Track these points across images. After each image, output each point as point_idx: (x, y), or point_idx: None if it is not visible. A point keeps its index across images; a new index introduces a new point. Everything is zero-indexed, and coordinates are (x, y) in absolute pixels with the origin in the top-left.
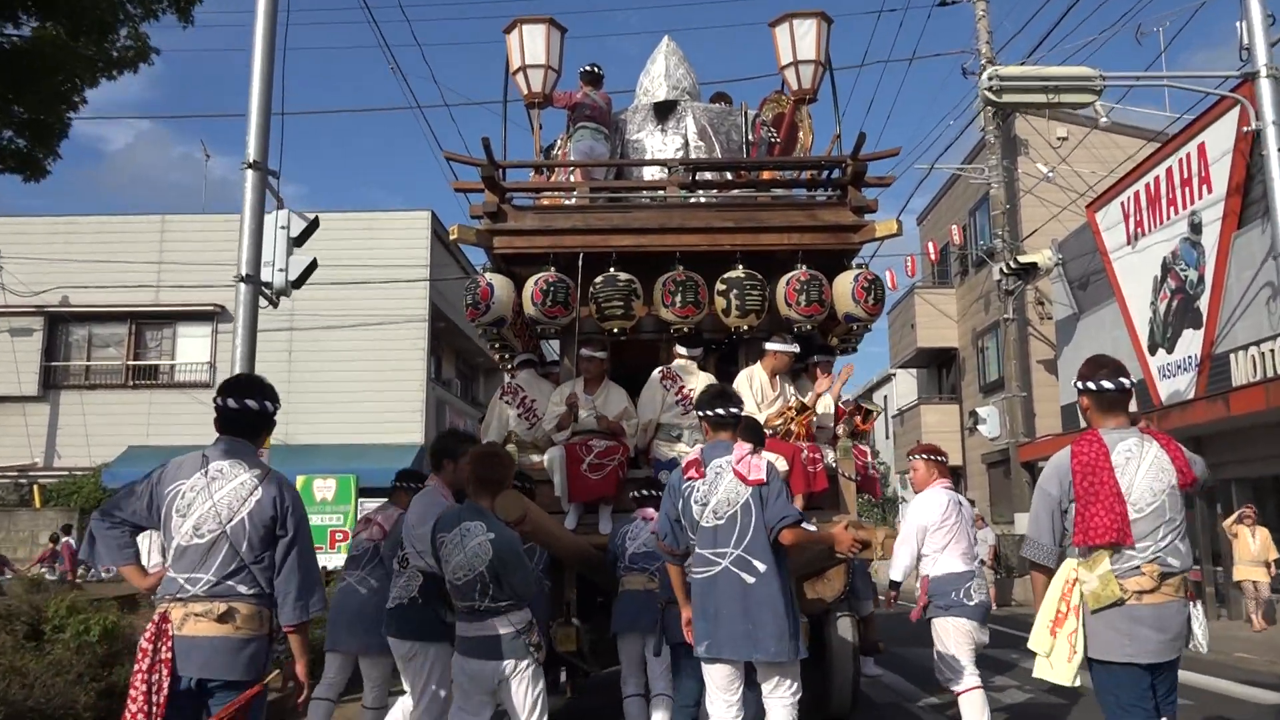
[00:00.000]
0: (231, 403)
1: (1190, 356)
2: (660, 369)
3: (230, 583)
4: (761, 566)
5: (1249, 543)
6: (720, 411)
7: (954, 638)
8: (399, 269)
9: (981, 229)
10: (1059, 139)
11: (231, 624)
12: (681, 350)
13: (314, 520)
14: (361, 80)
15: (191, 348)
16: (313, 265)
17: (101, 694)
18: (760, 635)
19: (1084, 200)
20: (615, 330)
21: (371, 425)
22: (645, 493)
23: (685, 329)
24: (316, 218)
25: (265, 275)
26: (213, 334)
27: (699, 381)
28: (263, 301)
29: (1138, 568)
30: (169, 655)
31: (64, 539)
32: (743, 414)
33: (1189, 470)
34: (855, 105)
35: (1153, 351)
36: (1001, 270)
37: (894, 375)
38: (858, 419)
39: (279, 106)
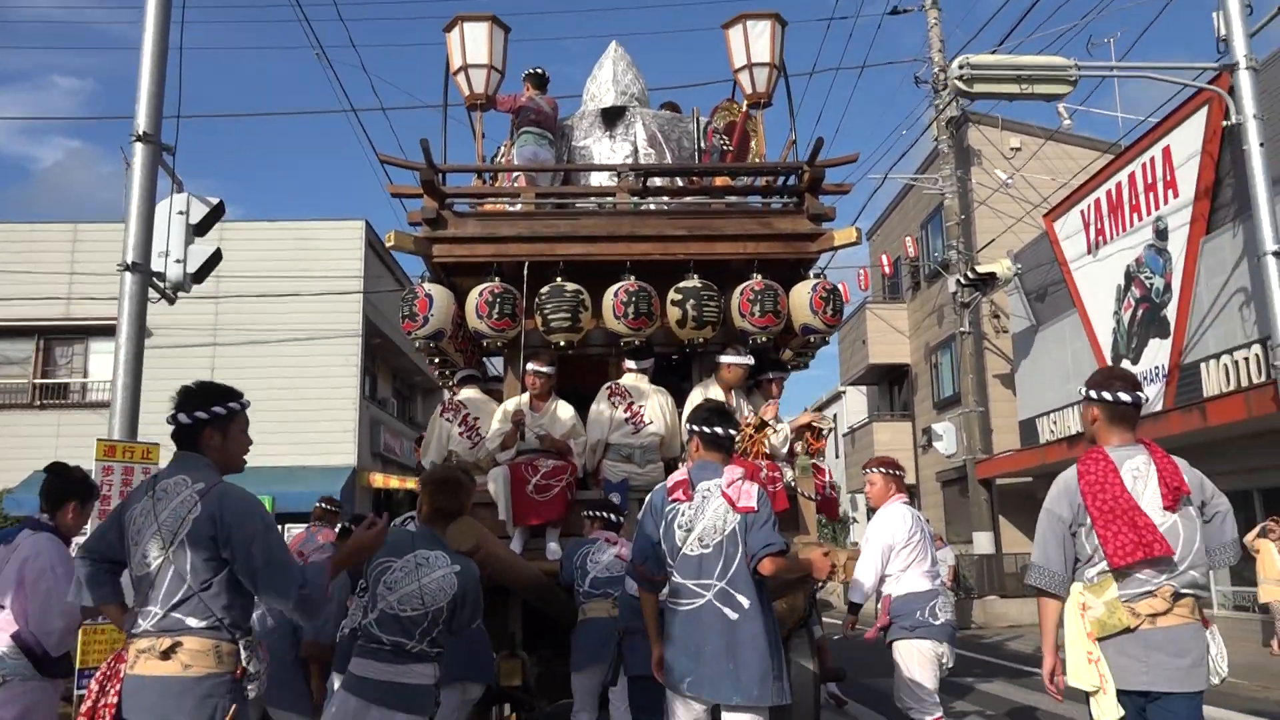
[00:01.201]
0: (173, 416)
1: (1158, 367)
2: (608, 385)
3: (177, 614)
4: (745, 601)
5: (1274, 559)
6: (717, 430)
7: (917, 661)
8: (332, 281)
9: (934, 242)
10: (1012, 149)
11: (177, 661)
12: (631, 364)
13: None
14: (300, 90)
15: (105, 364)
16: (216, 257)
17: None
18: (743, 677)
19: (1039, 211)
20: (562, 343)
21: (301, 446)
22: (599, 514)
23: (636, 342)
24: (220, 203)
25: (158, 265)
26: None
27: (649, 398)
28: (178, 312)
29: (1151, 591)
30: (115, 700)
31: None
32: (732, 439)
33: (1178, 480)
34: (805, 114)
35: (1116, 363)
36: (959, 281)
37: (844, 393)
38: (809, 436)
39: (192, 90)
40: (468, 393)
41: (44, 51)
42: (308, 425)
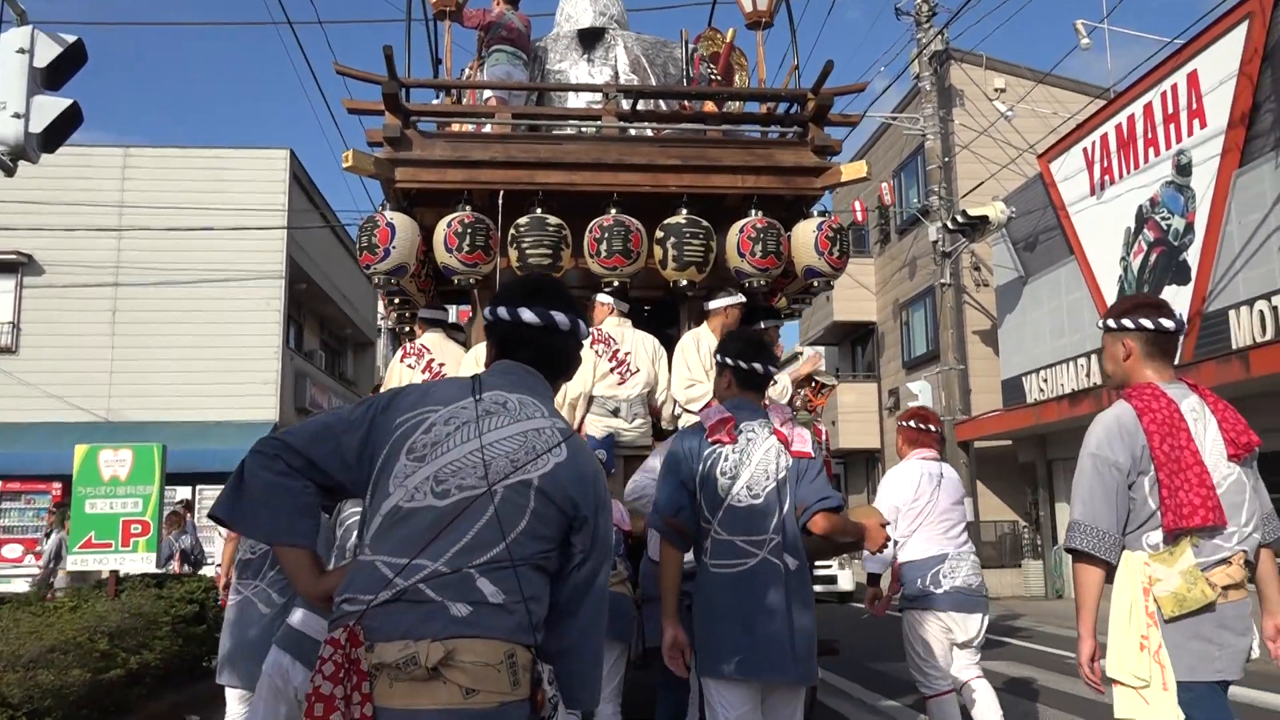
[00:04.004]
0: (529, 315)
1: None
2: (589, 331)
3: (473, 573)
4: (793, 561)
5: None
6: (755, 366)
7: (919, 632)
8: (251, 215)
9: (909, 188)
10: (997, 90)
11: (457, 685)
12: (611, 302)
13: (101, 506)
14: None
15: None
16: (73, 114)
17: None
18: (799, 648)
19: (1027, 156)
20: None
21: (215, 400)
22: None
23: (615, 282)
24: (79, 42)
25: None
26: (17, 288)
27: (634, 342)
28: (74, 246)
29: (1226, 559)
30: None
31: None
32: (770, 376)
33: (1246, 432)
34: (774, 45)
35: None
36: (946, 227)
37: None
38: (808, 391)
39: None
40: (431, 336)
41: None
42: (224, 376)
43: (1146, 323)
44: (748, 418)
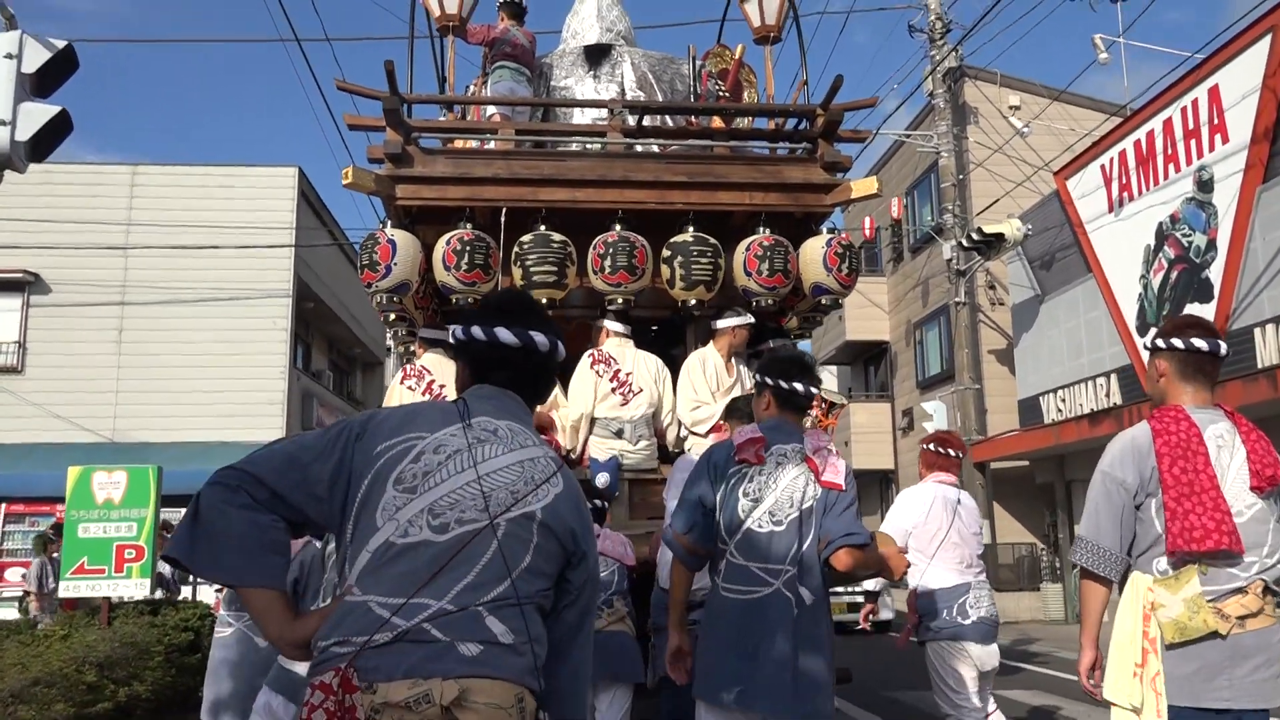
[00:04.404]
0: (507, 335)
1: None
2: (589, 353)
3: (481, 610)
4: (809, 595)
5: None
6: (797, 386)
7: (951, 664)
8: (258, 234)
9: (921, 209)
10: (1011, 108)
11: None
12: (614, 326)
13: (94, 530)
14: (230, 20)
15: None
16: (61, 122)
17: None
18: (804, 685)
19: (1042, 174)
20: (544, 301)
21: (221, 420)
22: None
23: (619, 300)
24: (69, 47)
25: None
26: (24, 307)
27: (635, 363)
28: (81, 265)
29: (1242, 588)
30: None
31: None
32: (813, 398)
33: (1274, 465)
34: (784, 63)
35: (1143, 332)
36: (960, 245)
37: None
38: (818, 411)
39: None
40: (432, 356)
41: None
42: (230, 396)
43: (1178, 343)
44: (782, 440)
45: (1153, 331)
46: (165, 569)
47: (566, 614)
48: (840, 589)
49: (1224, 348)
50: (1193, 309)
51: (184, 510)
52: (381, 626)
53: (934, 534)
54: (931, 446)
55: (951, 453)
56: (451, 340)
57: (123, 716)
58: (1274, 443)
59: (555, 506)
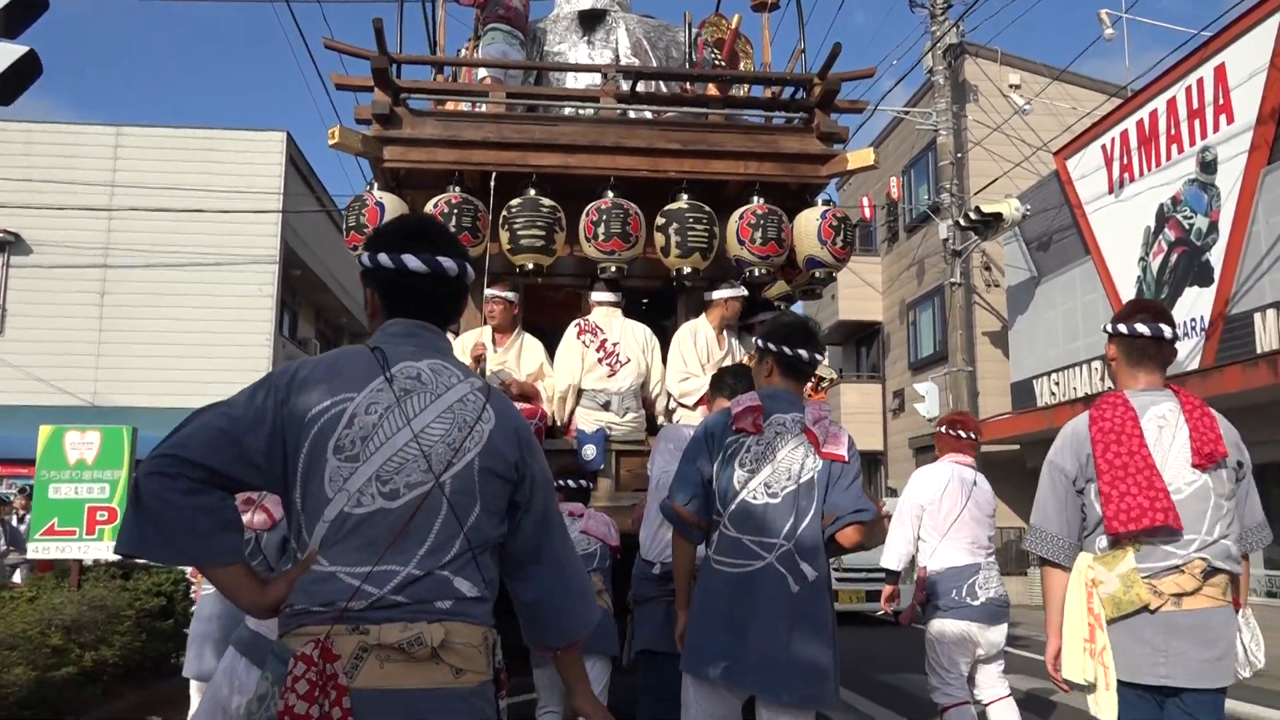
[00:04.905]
0: (414, 263)
1: (1195, 319)
2: (576, 322)
3: (446, 573)
4: (810, 572)
5: None
6: (801, 353)
7: (947, 641)
8: (245, 198)
9: (918, 188)
10: (1011, 86)
11: (448, 664)
12: (601, 296)
13: (65, 491)
14: None
15: None
16: (29, 63)
17: None
18: (796, 668)
19: (1041, 154)
20: (530, 266)
21: (204, 385)
22: (562, 483)
23: (613, 268)
24: None
25: None
26: (4, 268)
27: (623, 332)
28: (62, 226)
29: (1178, 566)
30: None
31: None
32: (816, 365)
33: (1214, 442)
34: (782, 37)
35: None
36: (959, 224)
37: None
38: (809, 386)
39: None
40: None
41: None
42: (214, 363)
43: (1123, 328)
44: (781, 410)
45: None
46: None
47: (525, 522)
48: (854, 573)
49: (1168, 331)
50: (1192, 293)
51: None
52: (355, 594)
53: (948, 513)
54: (945, 429)
55: (965, 434)
56: (359, 266)
57: (88, 681)
58: (1269, 427)
59: (492, 445)
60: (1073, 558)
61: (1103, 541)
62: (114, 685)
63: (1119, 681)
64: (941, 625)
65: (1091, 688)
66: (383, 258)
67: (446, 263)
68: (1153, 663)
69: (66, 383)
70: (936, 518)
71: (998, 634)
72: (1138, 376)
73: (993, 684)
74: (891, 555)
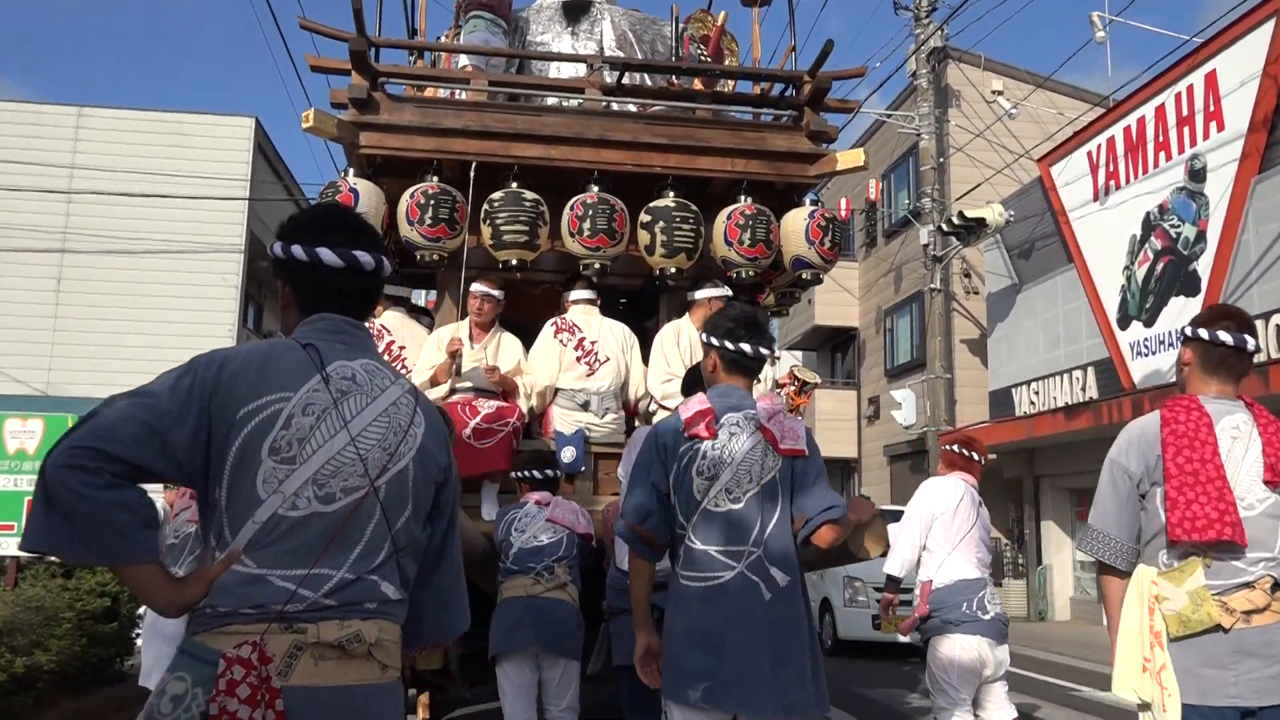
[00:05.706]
0: (330, 256)
1: (1179, 330)
2: (553, 321)
3: (375, 578)
4: (782, 577)
5: None
6: (744, 348)
7: (955, 656)
8: (211, 185)
9: (897, 191)
10: (994, 93)
11: (376, 661)
12: (578, 294)
13: (3, 483)
14: None
15: None
16: None
17: None
18: (781, 677)
19: (1023, 161)
20: (514, 262)
21: None
22: (528, 474)
23: (597, 265)
24: None
25: None
26: None
27: (601, 331)
28: (19, 209)
29: (1249, 583)
30: None
31: None
32: (763, 359)
33: None
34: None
35: (1124, 325)
36: (940, 230)
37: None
38: (791, 390)
39: None
40: (392, 315)
41: None
42: (175, 354)
43: (1204, 334)
44: (732, 408)
45: (1189, 323)
46: None
47: (438, 525)
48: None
49: (1252, 343)
50: (1178, 303)
51: None
52: (291, 598)
53: (960, 526)
54: (955, 448)
55: (975, 456)
56: (270, 257)
57: (20, 689)
58: None
59: (423, 450)
60: (1132, 563)
61: (1165, 555)
62: (48, 693)
63: (1185, 705)
64: (953, 643)
65: (1147, 707)
66: (296, 250)
67: (364, 257)
68: (1223, 683)
69: (18, 371)
70: (949, 529)
71: (1003, 652)
72: (1210, 384)
73: (1000, 705)
74: (896, 561)
